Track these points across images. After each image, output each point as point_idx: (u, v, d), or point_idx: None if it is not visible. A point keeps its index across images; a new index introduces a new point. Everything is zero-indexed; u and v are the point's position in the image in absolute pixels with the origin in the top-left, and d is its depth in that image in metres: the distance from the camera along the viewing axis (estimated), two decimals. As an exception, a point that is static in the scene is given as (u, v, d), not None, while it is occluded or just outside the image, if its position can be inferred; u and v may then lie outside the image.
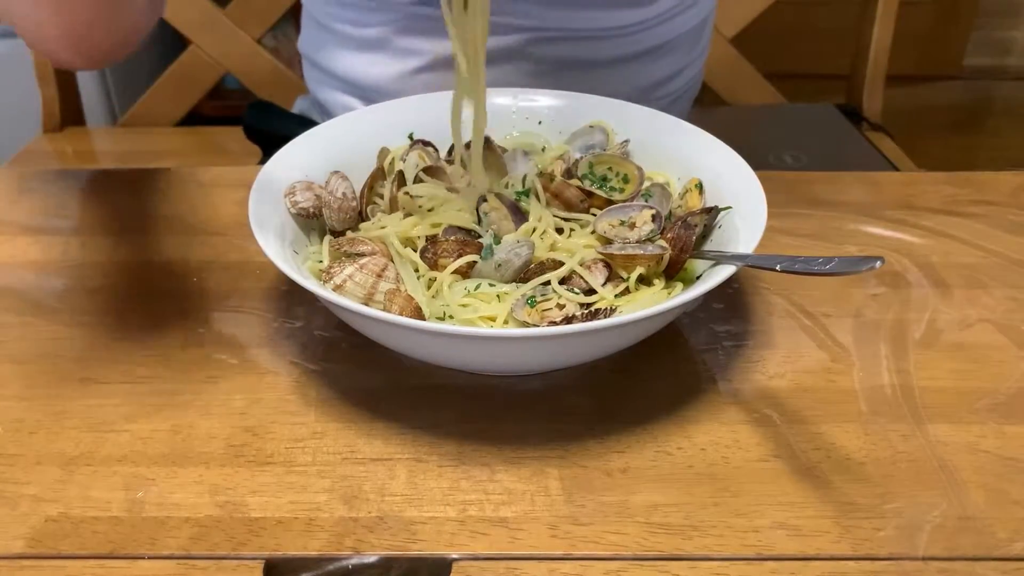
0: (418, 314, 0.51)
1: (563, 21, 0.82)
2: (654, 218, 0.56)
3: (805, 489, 0.47)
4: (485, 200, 0.58)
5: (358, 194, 0.60)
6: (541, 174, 0.62)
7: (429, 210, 0.59)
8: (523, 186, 0.61)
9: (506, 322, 0.52)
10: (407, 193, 0.60)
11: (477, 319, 0.53)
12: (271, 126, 0.96)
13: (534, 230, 0.57)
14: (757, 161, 0.59)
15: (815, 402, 0.53)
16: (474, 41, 0.56)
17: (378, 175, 0.62)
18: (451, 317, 0.53)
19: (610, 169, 0.62)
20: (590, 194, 0.60)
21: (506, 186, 0.62)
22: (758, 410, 0.52)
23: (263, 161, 0.60)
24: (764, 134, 1.29)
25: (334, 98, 0.92)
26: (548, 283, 0.54)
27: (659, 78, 0.89)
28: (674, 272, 0.56)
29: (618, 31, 0.83)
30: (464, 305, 0.53)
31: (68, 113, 1.29)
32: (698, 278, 0.55)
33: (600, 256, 0.55)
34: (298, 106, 1.04)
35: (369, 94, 0.86)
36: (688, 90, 0.95)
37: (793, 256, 0.49)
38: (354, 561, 0.44)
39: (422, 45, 0.84)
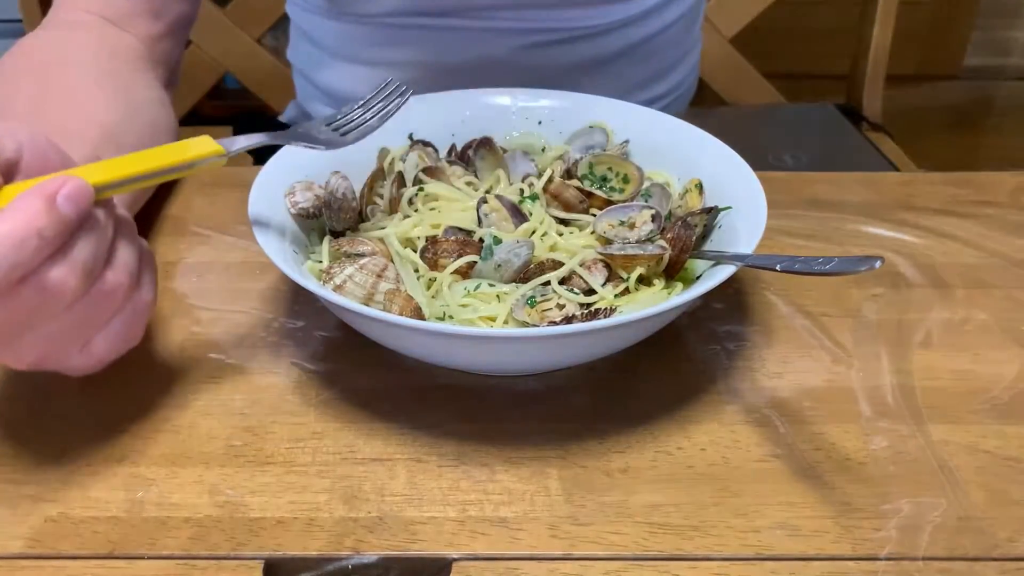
0: (418, 314, 0.51)
1: (544, 21, 0.82)
2: (654, 218, 0.56)
3: (805, 489, 0.47)
4: (485, 201, 0.58)
5: (358, 194, 0.60)
6: (540, 176, 0.62)
7: (431, 210, 0.59)
8: (524, 193, 0.60)
9: (506, 322, 0.52)
10: (421, 189, 0.60)
11: (477, 319, 0.53)
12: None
13: (534, 231, 0.57)
14: (757, 161, 0.59)
15: (815, 402, 0.53)
16: None
17: (378, 175, 0.62)
18: (451, 317, 0.53)
19: (610, 169, 0.62)
20: (590, 194, 0.60)
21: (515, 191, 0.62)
22: (758, 410, 0.52)
23: (263, 161, 0.60)
24: (764, 134, 1.29)
25: (318, 111, 0.92)
26: (548, 283, 0.54)
27: (642, 79, 0.89)
28: (674, 272, 0.56)
29: (601, 28, 0.84)
30: (464, 305, 0.53)
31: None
32: (698, 278, 0.55)
33: (600, 256, 0.55)
34: (288, 113, 1.04)
35: None
36: (678, 97, 0.96)
37: (793, 256, 0.49)
38: (354, 561, 0.44)
39: (404, 55, 0.84)
